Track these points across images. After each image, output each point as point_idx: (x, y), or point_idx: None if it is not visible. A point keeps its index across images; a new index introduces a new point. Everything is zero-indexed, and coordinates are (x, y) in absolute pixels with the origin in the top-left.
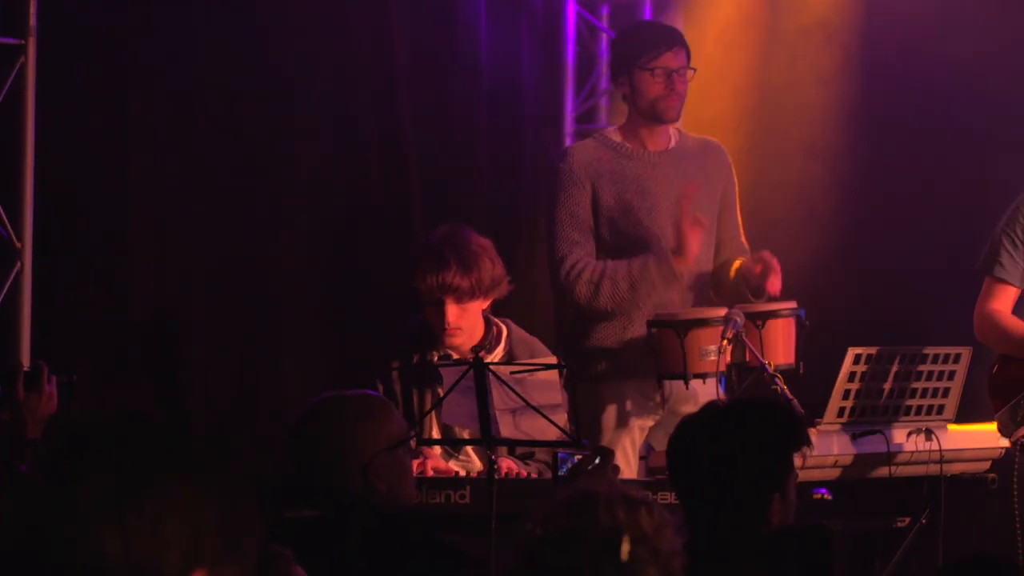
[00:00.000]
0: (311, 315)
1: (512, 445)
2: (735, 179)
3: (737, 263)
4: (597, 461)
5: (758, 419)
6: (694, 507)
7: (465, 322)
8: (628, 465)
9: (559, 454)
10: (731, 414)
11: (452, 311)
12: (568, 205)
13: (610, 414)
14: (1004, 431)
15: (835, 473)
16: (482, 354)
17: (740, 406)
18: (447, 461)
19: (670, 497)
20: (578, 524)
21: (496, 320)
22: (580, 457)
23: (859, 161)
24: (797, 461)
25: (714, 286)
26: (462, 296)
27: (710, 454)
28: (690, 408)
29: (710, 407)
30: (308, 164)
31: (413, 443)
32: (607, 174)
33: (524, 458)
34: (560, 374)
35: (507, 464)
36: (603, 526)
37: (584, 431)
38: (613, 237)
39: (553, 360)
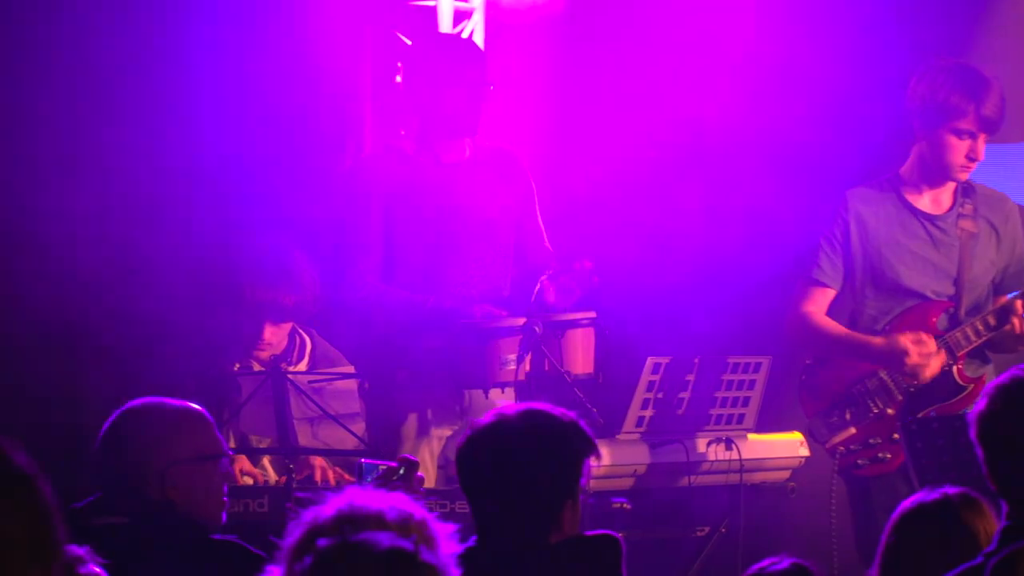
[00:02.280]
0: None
1: (309, 454)
2: (533, 186)
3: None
4: (402, 471)
5: (546, 427)
6: (485, 516)
7: (276, 339)
8: (427, 474)
9: (364, 463)
10: (519, 423)
11: (269, 329)
12: (352, 218)
13: (410, 423)
14: (818, 438)
15: (634, 482)
16: (284, 365)
17: (527, 414)
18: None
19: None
20: (362, 538)
21: (301, 331)
22: (385, 468)
23: (660, 171)
24: (593, 470)
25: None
26: (284, 316)
27: (499, 463)
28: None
29: (497, 416)
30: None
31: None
32: (398, 186)
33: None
34: (359, 383)
35: (317, 462)
36: (389, 540)
37: (383, 440)
38: (411, 250)
39: (351, 369)
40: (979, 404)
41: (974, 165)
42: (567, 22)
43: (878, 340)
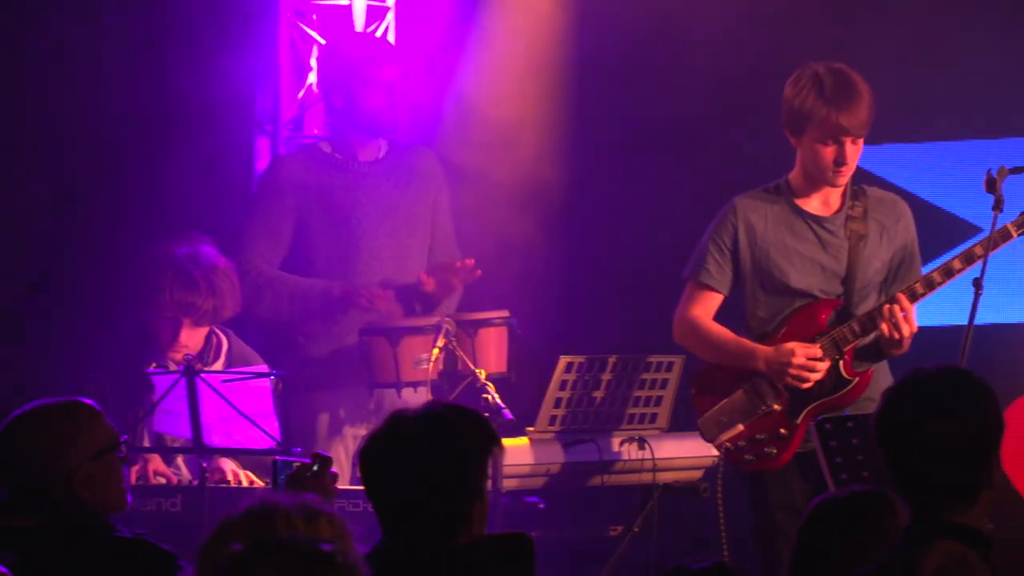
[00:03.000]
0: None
1: (223, 453)
2: (443, 183)
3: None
4: (316, 468)
5: (446, 426)
6: (389, 517)
7: (193, 340)
8: (342, 473)
9: (278, 461)
10: (419, 422)
11: (186, 332)
12: (264, 212)
13: (323, 422)
14: (707, 436)
15: (547, 481)
16: (199, 365)
17: (427, 413)
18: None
19: None
20: (279, 538)
21: (217, 331)
22: (299, 464)
23: (575, 168)
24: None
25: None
26: (202, 319)
27: (400, 463)
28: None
29: (397, 416)
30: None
31: (124, 450)
32: (315, 186)
33: None
34: (272, 382)
35: (228, 466)
36: (304, 539)
37: (297, 439)
38: (326, 249)
39: (266, 368)
40: (878, 405)
41: (846, 169)
42: (479, 19)
43: (764, 348)
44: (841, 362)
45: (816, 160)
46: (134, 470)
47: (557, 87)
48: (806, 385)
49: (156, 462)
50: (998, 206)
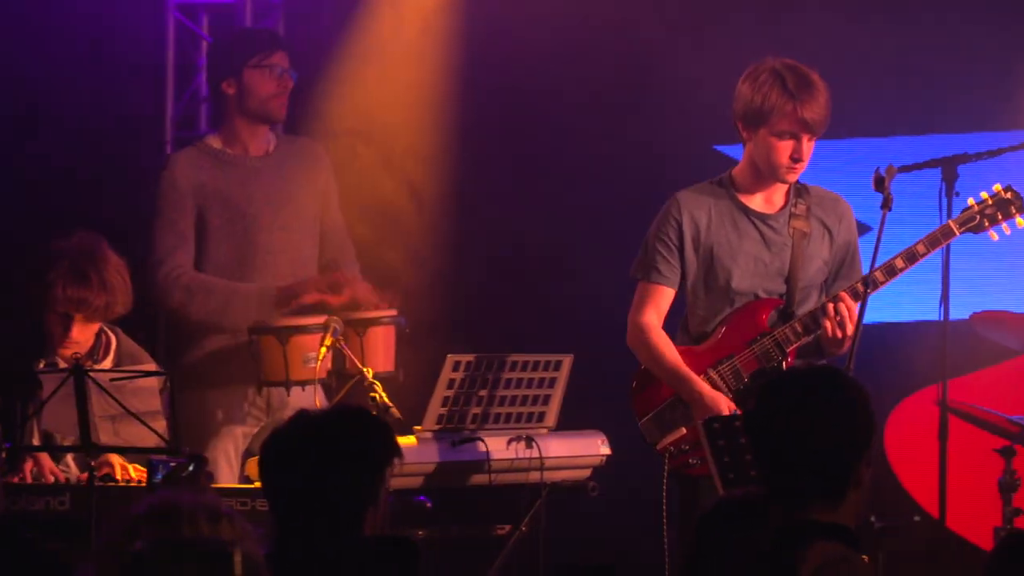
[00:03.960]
0: None
1: (111, 452)
2: (332, 177)
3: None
4: (191, 468)
5: (355, 431)
6: (286, 517)
7: (84, 337)
8: (231, 472)
9: (153, 460)
10: (327, 424)
11: (78, 327)
12: (167, 212)
13: (212, 420)
14: (650, 439)
15: (435, 480)
16: (89, 363)
17: (331, 416)
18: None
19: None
20: (180, 538)
21: (107, 329)
22: (175, 464)
23: (463, 166)
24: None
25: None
26: (94, 315)
27: (301, 464)
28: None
29: (301, 417)
30: None
31: (3, 455)
32: (209, 182)
33: None
34: (161, 381)
35: (117, 460)
36: (208, 539)
37: (186, 438)
38: (222, 245)
39: (154, 367)
40: (750, 404)
41: (800, 166)
42: (365, 19)
43: (702, 389)
44: (784, 363)
45: (771, 155)
46: (28, 468)
47: (443, 84)
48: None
49: (45, 459)
50: (886, 205)
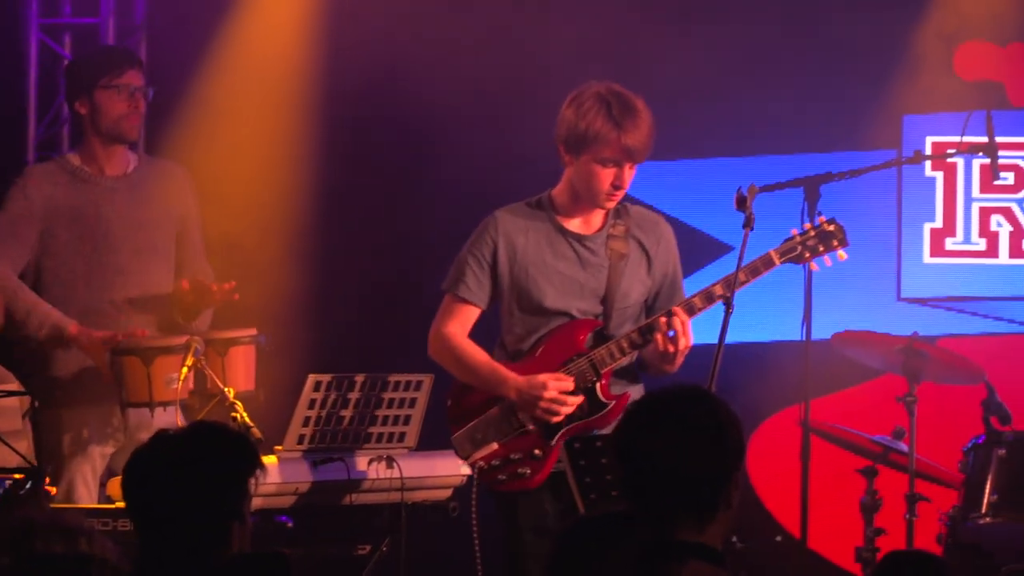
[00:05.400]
0: None
1: None
2: (193, 201)
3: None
4: (29, 485)
5: (209, 447)
6: (151, 535)
7: None
8: (88, 492)
9: None
10: (181, 443)
11: None
12: (11, 217)
13: (71, 440)
14: (461, 454)
15: (296, 500)
16: None
17: (190, 434)
18: None
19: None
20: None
21: None
22: (10, 481)
23: (323, 186)
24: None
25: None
26: None
27: (163, 483)
28: (149, 435)
29: (161, 436)
30: None
31: None
32: (62, 197)
33: None
34: (21, 401)
35: None
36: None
37: (45, 457)
38: (70, 261)
39: (16, 387)
40: (616, 424)
41: (620, 193)
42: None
43: (518, 377)
44: (598, 384)
45: (591, 181)
46: None
47: (303, 110)
48: (556, 419)
49: None
50: (748, 224)
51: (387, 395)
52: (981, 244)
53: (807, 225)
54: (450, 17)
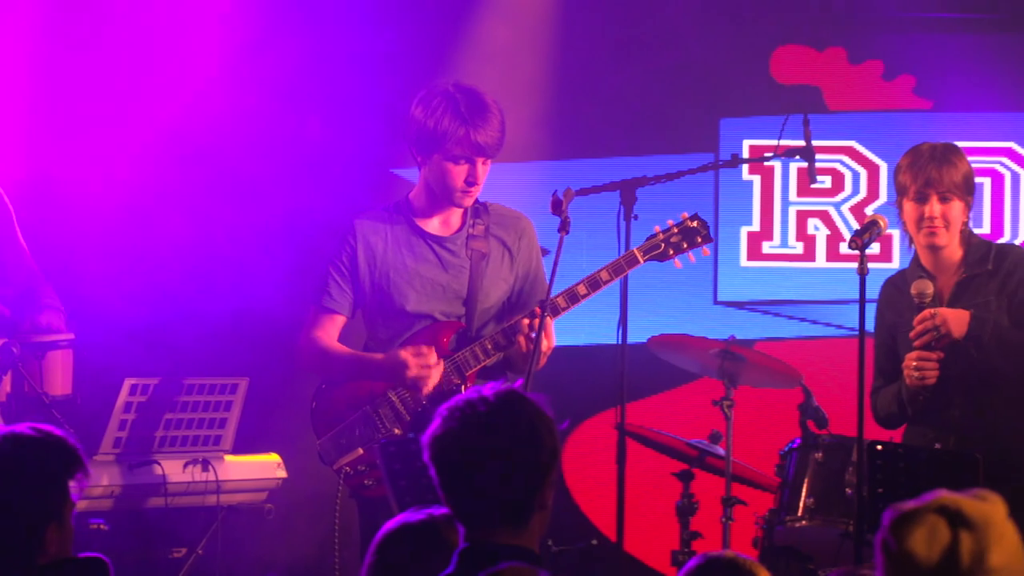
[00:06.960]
0: None
1: None
2: (10, 205)
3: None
4: None
5: (18, 448)
6: None
7: None
8: None
9: None
10: (6, 445)
11: None
12: None
13: None
14: (326, 460)
15: (112, 503)
16: None
17: (15, 437)
18: None
19: None
20: None
21: None
22: None
23: (148, 188)
24: (74, 490)
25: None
26: None
27: None
28: None
29: None
30: None
31: None
32: None
33: None
34: None
35: None
36: None
37: None
38: None
39: None
40: (432, 425)
41: (475, 189)
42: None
43: (380, 356)
44: (464, 387)
45: (445, 180)
46: None
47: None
48: (429, 383)
49: None
50: (564, 228)
51: (203, 398)
52: (798, 248)
53: (670, 222)
54: None
